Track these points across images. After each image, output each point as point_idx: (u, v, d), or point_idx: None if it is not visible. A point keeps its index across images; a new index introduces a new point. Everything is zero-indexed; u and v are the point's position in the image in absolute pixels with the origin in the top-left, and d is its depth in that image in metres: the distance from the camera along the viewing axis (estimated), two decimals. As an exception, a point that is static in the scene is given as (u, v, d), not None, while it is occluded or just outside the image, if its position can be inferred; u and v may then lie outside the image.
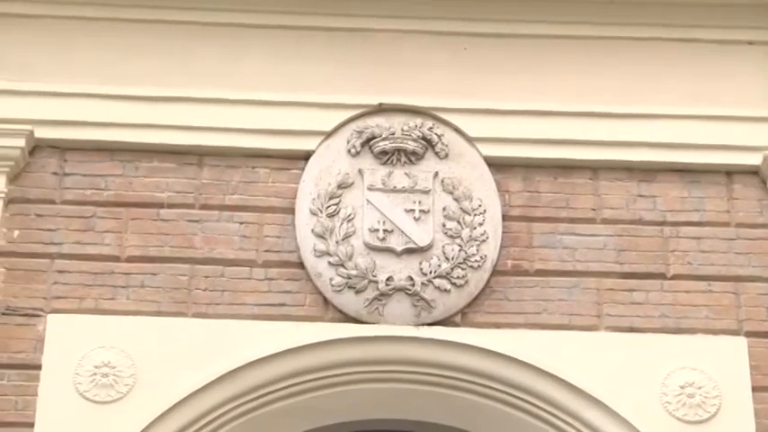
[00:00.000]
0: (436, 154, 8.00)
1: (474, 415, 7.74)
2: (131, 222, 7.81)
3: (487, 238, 7.82)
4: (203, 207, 7.90)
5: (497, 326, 7.72)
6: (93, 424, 7.31)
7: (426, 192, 7.89)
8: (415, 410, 7.81)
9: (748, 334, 7.70)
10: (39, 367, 7.42)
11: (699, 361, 7.60)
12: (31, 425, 7.31)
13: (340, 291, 7.67)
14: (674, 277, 7.84)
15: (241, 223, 7.86)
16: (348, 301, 7.67)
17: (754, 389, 7.56)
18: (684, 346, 7.64)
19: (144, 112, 7.94)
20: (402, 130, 8.00)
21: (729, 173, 8.06)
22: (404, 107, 8.09)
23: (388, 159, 7.97)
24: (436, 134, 8.02)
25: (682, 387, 7.55)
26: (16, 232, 7.73)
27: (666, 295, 7.79)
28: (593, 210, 8.00)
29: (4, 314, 7.54)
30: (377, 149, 7.98)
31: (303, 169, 7.96)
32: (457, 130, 8.07)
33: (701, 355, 7.61)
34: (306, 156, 7.99)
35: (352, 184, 7.91)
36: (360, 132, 8.01)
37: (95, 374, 7.41)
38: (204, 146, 7.97)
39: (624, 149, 8.05)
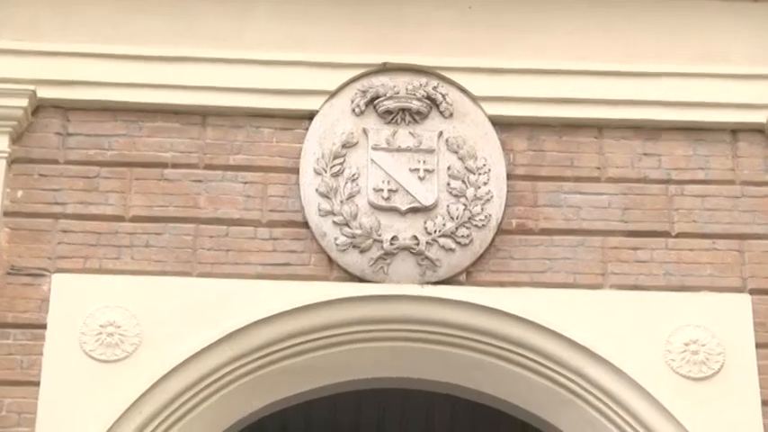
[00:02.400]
0: (441, 113, 7.98)
1: (479, 373, 7.75)
2: (135, 182, 7.81)
3: (492, 197, 7.81)
4: (207, 167, 7.89)
5: (502, 284, 7.72)
6: (99, 383, 7.33)
7: (431, 151, 7.88)
8: (420, 369, 7.82)
9: (752, 291, 7.70)
10: (44, 326, 7.44)
11: (703, 318, 7.61)
12: (37, 383, 7.33)
13: (345, 250, 7.67)
14: (679, 235, 7.83)
15: (245, 183, 7.86)
16: (353, 261, 7.67)
17: (758, 345, 7.57)
18: (689, 304, 7.65)
19: (147, 72, 7.92)
20: (406, 89, 7.98)
21: (734, 131, 8.04)
22: (408, 66, 8.06)
23: (393, 119, 7.96)
24: (441, 93, 8.00)
25: (686, 344, 7.56)
26: (20, 192, 7.73)
27: (671, 253, 7.78)
28: (598, 168, 7.98)
29: (8, 274, 7.55)
30: (381, 109, 7.96)
31: (307, 129, 7.94)
32: (461, 90, 8.04)
33: (706, 313, 7.62)
34: (310, 115, 7.98)
35: (357, 143, 7.90)
36: (364, 92, 7.99)
37: (101, 334, 7.43)
38: (208, 106, 7.95)
39: (629, 108, 8.02)
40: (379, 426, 10.43)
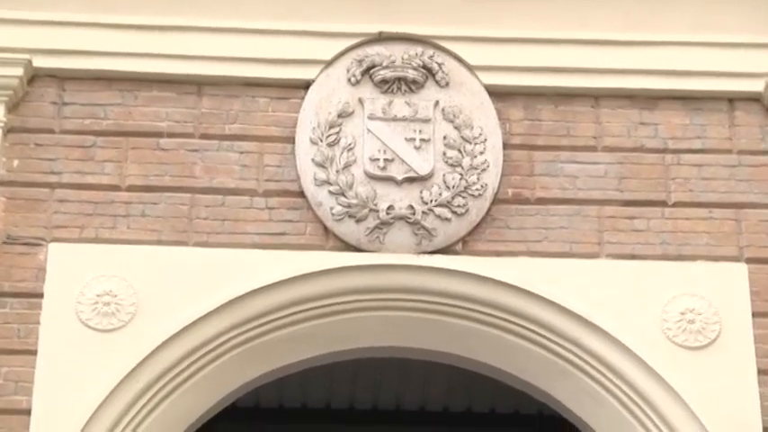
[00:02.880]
0: (437, 83, 7.97)
1: (475, 342, 7.76)
2: (131, 152, 7.80)
3: (488, 166, 7.81)
4: (203, 136, 7.88)
5: (498, 254, 7.73)
6: (96, 352, 7.35)
7: (427, 120, 7.87)
8: (416, 338, 7.83)
9: (749, 260, 7.71)
10: (41, 296, 7.45)
11: (699, 287, 7.62)
12: (34, 352, 7.34)
13: (341, 220, 7.67)
14: (676, 204, 7.84)
15: (241, 152, 7.85)
16: (349, 230, 7.67)
17: (755, 314, 7.58)
18: (685, 273, 7.66)
19: (143, 41, 7.90)
20: (402, 58, 7.97)
21: (731, 99, 8.03)
22: (404, 36, 8.05)
23: (389, 88, 7.94)
24: (437, 63, 7.99)
25: (682, 313, 7.57)
26: (16, 161, 7.72)
27: (667, 222, 7.79)
28: (595, 138, 7.98)
29: (5, 243, 7.55)
30: (377, 78, 7.94)
31: (303, 98, 7.93)
32: (458, 59, 8.03)
33: (702, 282, 7.63)
34: (306, 85, 7.96)
35: (353, 113, 7.89)
36: (360, 61, 7.97)
37: (97, 303, 7.44)
38: (203, 75, 7.94)
39: (626, 77, 8.01)
40: (375, 395, 10.45)
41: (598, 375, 7.54)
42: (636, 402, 7.46)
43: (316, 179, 7.72)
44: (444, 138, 7.84)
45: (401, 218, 7.67)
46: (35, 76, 7.86)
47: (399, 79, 7.94)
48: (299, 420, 10.59)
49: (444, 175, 7.76)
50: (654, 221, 7.79)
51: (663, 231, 7.77)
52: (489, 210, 7.78)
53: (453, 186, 7.74)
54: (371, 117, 7.86)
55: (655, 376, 7.44)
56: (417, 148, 7.81)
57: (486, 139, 7.86)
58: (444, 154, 7.81)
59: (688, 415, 7.37)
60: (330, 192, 7.70)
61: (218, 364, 7.54)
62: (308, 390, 10.27)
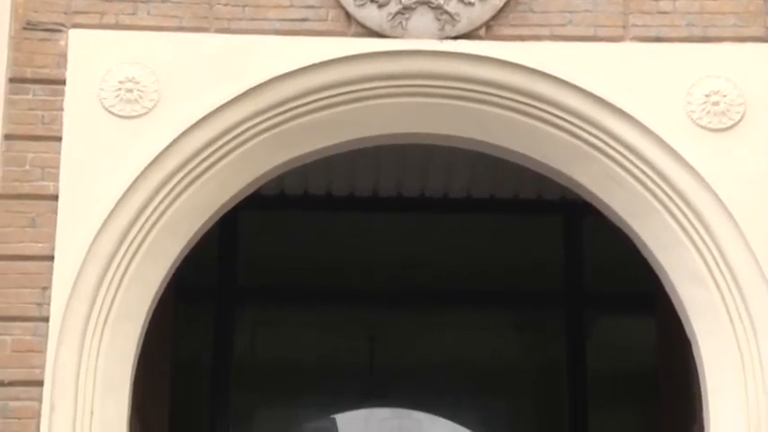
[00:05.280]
0: None
1: (499, 127, 7.75)
2: (148, -59, 7.69)
3: (512, -52, 7.68)
4: None
5: (522, 38, 7.65)
6: (120, 138, 7.39)
7: None
8: (439, 124, 7.83)
9: (776, 41, 7.65)
10: (63, 82, 7.45)
11: (724, 69, 7.54)
12: (59, 138, 7.39)
13: (362, 5, 7.60)
14: (702, -15, 7.73)
15: (261, -63, 7.73)
16: (371, 15, 7.59)
17: (780, 95, 7.56)
18: (710, 55, 7.58)
19: None
20: None
21: None
22: None
23: None
24: None
25: (706, 95, 7.52)
26: (33, -53, 7.63)
27: (694, 3, 7.65)
28: None
29: (25, 29, 7.50)
30: None
31: None
32: None
33: (727, 63, 7.55)
34: None
35: None
36: None
37: (120, 89, 7.44)
38: None
39: None
40: (399, 182, 10.53)
41: (620, 158, 7.55)
42: (658, 184, 7.49)
43: (336, -36, 7.63)
44: None
45: (424, 3, 7.59)
46: None
47: None
48: (323, 207, 10.71)
49: (467, -41, 7.65)
50: (680, 3, 7.65)
51: (689, 13, 7.64)
52: (513, -6, 7.69)
53: (476, -30, 7.63)
54: None
55: (677, 157, 7.44)
56: (439, -69, 7.67)
57: None
58: (467, -64, 7.67)
59: (710, 195, 7.40)
60: (351, -24, 7.61)
61: (242, 151, 7.57)
62: (332, 177, 10.36)
